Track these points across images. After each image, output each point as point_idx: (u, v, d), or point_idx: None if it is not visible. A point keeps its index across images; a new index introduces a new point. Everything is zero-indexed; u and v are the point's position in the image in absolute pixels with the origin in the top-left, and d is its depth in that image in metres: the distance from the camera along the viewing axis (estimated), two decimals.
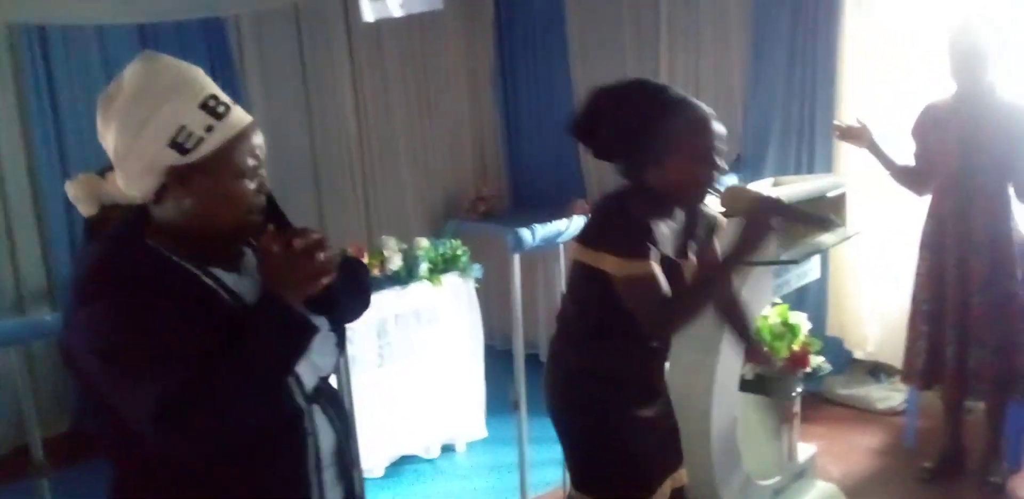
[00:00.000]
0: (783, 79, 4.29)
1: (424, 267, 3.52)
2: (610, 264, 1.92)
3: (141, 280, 1.26)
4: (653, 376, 2.17)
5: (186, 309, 1.26)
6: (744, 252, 1.89)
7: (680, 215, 2.07)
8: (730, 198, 1.96)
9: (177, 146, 1.27)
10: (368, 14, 3.64)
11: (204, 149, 1.28)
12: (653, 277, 1.89)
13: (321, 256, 1.28)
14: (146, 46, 4.18)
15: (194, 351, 1.23)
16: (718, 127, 1.97)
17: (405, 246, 3.57)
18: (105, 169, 1.43)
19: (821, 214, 1.94)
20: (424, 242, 3.61)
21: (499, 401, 3.88)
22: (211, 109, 1.29)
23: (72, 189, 1.40)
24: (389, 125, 5.00)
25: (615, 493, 2.13)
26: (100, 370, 1.25)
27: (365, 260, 3.37)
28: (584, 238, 2.02)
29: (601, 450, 2.13)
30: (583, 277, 2.05)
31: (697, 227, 2.13)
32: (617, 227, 1.95)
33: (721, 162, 1.97)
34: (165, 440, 1.23)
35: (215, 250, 1.37)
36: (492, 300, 4.75)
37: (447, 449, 3.84)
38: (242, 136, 1.32)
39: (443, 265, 3.64)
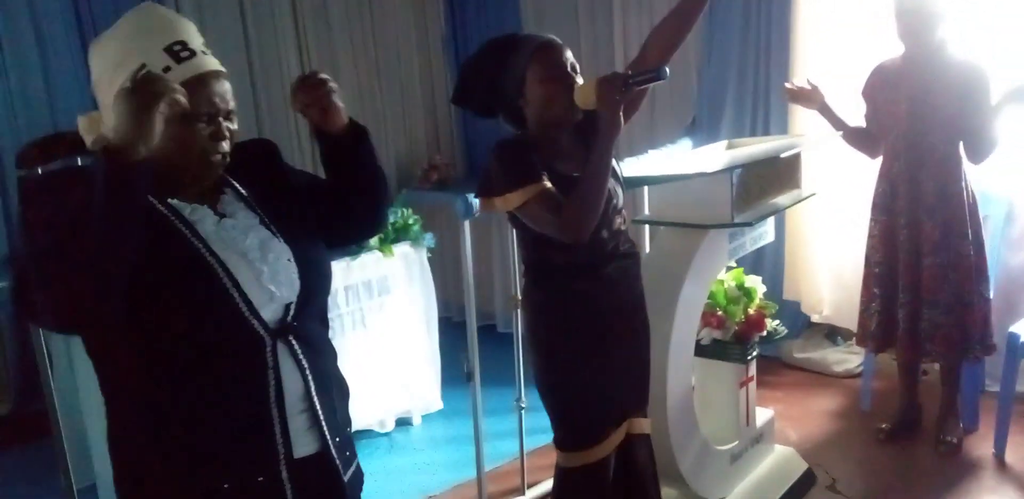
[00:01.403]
0: (738, 43, 4.25)
1: (375, 237, 3.43)
2: (503, 203, 2.03)
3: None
4: (610, 303, 2.15)
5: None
6: (608, 133, 1.97)
7: (570, 134, 2.13)
8: (580, 96, 2.01)
9: None
10: None
11: None
12: (540, 194, 1.98)
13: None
14: (79, 11, 4.03)
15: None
16: (560, 47, 2.08)
17: None
18: None
19: (650, 68, 1.99)
20: None
21: (455, 373, 3.84)
22: (174, 53, 1.36)
23: (81, 124, 1.46)
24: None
25: (565, 441, 2.19)
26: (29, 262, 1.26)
27: None
28: (478, 192, 2.11)
29: (553, 395, 2.18)
30: (512, 223, 2.16)
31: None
32: (492, 170, 2.05)
33: (573, 75, 2.05)
34: (22, 315, 1.30)
35: (181, 186, 1.42)
36: (448, 271, 4.69)
37: (402, 422, 3.79)
38: (198, 81, 1.37)
39: (394, 235, 3.56)
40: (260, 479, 1.42)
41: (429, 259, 3.75)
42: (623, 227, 2.18)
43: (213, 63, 1.41)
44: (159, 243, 1.34)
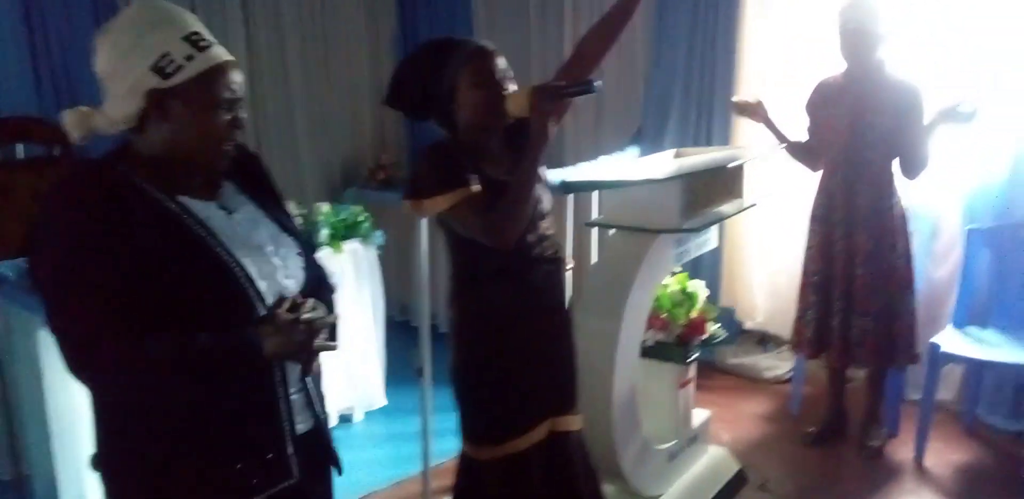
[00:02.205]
0: (684, 53, 4.35)
1: (325, 233, 3.44)
2: (431, 206, 2.04)
3: (99, 202, 1.33)
4: (534, 308, 2.19)
5: (144, 233, 1.34)
6: (537, 141, 1.99)
7: (500, 139, 2.16)
8: (512, 103, 2.05)
9: (159, 70, 1.38)
10: None
11: (183, 75, 1.39)
12: (468, 199, 2.01)
13: (315, 343, 1.44)
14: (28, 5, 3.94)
15: (137, 283, 1.31)
16: (492, 54, 2.09)
17: (305, 211, 3.48)
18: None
19: (582, 81, 2.03)
20: (325, 207, 3.52)
21: (398, 371, 3.86)
22: (194, 42, 1.41)
23: (68, 117, 1.46)
24: (286, 89, 4.85)
25: (482, 433, 2.21)
26: (45, 284, 1.34)
27: None
28: (406, 194, 2.12)
29: (472, 388, 2.21)
30: (440, 227, 2.18)
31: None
32: (421, 173, 2.08)
33: (506, 83, 2.07)
34: (76, 374, 1.34)
35: (190, 180, 1.46)
36: (391, 271, 4.69)
37: (344, 419, 3.79)
38: (220, 69, 1.43)
39: (344, 231, 3.57)
40: (269, 457, 1.46)
41: (379, 257, 3.76)
42: (549, 232, 2.21)
43: (227, 53, 1.46)
44: (175, 244, 1.37)
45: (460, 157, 2.06)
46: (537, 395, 2.22)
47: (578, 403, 2.35)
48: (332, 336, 1.52)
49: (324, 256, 3.48)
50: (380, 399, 3.86)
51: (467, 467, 2.28)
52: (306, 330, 1.43)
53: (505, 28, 4.97)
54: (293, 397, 1.51)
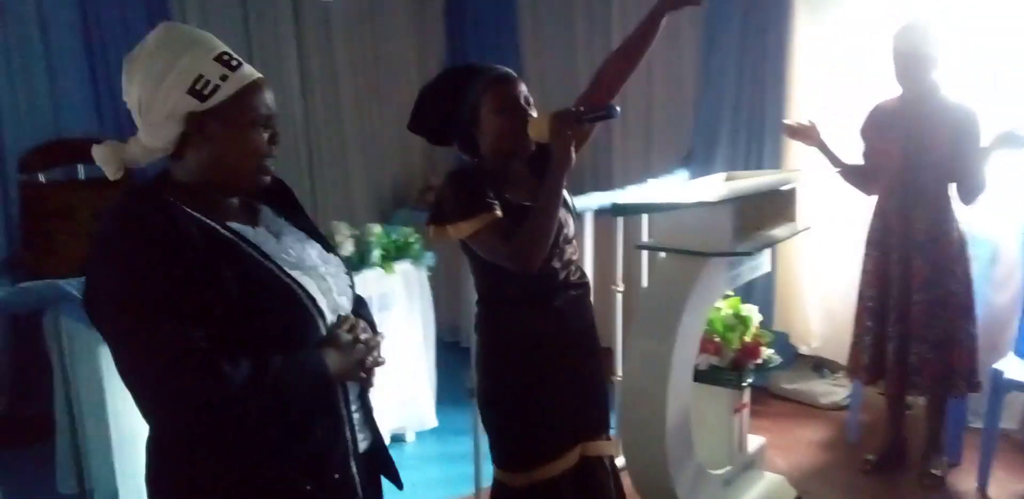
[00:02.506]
0: (734, 76, 4.34)
1: (377, 253, 3.47)
2: (455, 231, 2.06)
3: (160, 232, 1.32)
4: (560, 334, 2.18)
5: (207, 261, 1.33)
6: (559, 166, 2.00)
7: (523, 164, 2.17)
8: (534, 129, 2.06)
9: (196, 93, 1.38)
10: None
11: (220, 95, 1.39)
12: (492, 224, 2.01)
13: (368, 360, 1.48)
14: (87, 20, 4.07)
15: (210, 310, 1.31)
16: (514, 80, 2.11)
17: (357, 232, 3.52)
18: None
19: (603, 106, 2.06)
20: (377, 228, 3.55)
21: (448, 392, 3.87)
22: (225, 62, 1.41)
23: (98, 153, 1.45)
24: (337, 110, 4.93)
25: (513, 459, 2.21)
26: (114, 322, 1.33)
27: None
28: (430, 220, 2.13)
29: (500, 415, 2.21)
30: (464, 252, 2.19)
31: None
32: (445, 198, 2.10)
33: (528, 109, 2.09)
34: (157, 415, 1.35)
35: (231, 206, 1.48)
36: (441, 292, 4.72)
37: (396, 439, 3.79)
38: (254, 86, 1.44)
39: (396, 252, 3.59)
40: (336, 477, 1.46)
41: (429, 278, 3.78)
42: (574, 257, 2.22)
43: (256, 71, 1.47)
44: (235, 268, 1.36)
45: (483, 182, 2.06)
46: (566, 420, 2.20)
47: (610, 428, 2.34)
48: (380, 353, 1.55)
49: (376, 277, 3.51)
50: (431, 420, 3.86)
51: (500, 494, 2.27)
52: (364, 349, 1.46)
53: (551, 51, 5.01)
54: (355, 415, 1.53)
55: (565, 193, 2.15)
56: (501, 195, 2.07)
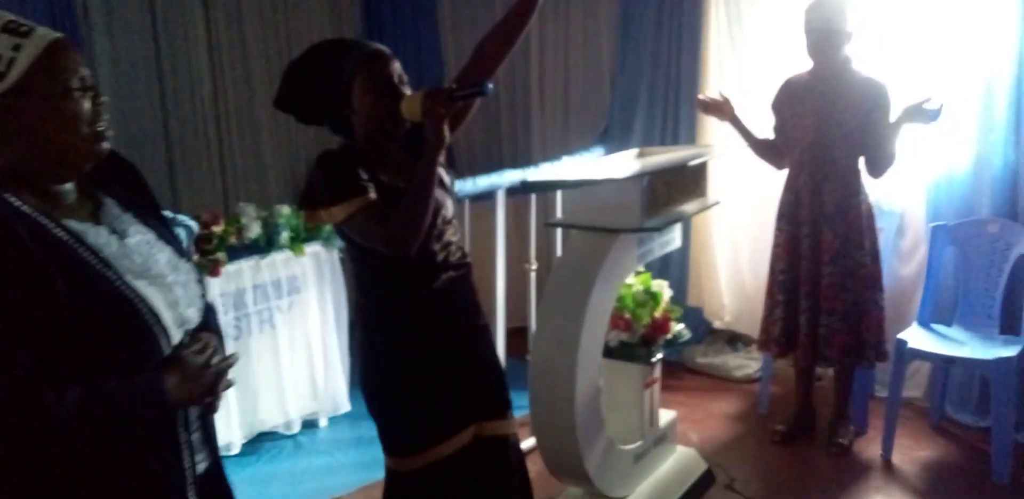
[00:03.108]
0: (649, 53, 4.35)
1: (285, 235, 3.40)
2: (327, 216, 1.98)
3: None
4: (442, 316, 2.14)
5: (35, 268, 1.18)
6: (433, 146, 1.95)
7: (399, 145, 2.11)
8: (406, 108, 2.00)
9: None
10: None
11: (19, 67, 1.23)
12: (365, 207, 1.94)
13: (220, 385, 1.38)
14: None
15: (38, 326, 1.17)
16: (388, 57, 2.04)
17: (265, 214, 3.43)
18: None
19: (473, 83, 2.00)
20: (285, 209, 3.47)
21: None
22: (13, 30, 1.24)
23: None
24: (248, 89, 4.78)
25: (402, 444, 2.15)
26: None
27: (220, 228, 3.21)
28: (301, 204, 2.05)
29: (386, 400, 2.16)
30: (340, 237, 2.12)
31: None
32: (317, 181, 2.01)
33: (403, 88, 2.03)
34: None
35: (68, 197, 1.33)
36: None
37: (308, 424, 3.73)
38: (55, 49, 1.26)
39: (305, 234, 3.52)
40: None
41: (340, 260, 3.72)
42: (454, 238, 2.17)
43: (53, 31, 1.29)
44: (69, 277, 1.21)
45: (356, 165, 1.99)
46: (455, 401, 2.16)
47: (510, 407, 2.30)
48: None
49: (284, 259, 3.43)
50: (344, 404, 3.81)
51: (392, 481, 2.22)
52: (213, 373, 1.36)
53: (470, 31, 4.96)
54: (193, 436, 1.41)
55: (443, 173, 2.10)
56: (376, 177, 1.99)
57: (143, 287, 1.30)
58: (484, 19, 4.87)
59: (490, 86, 1.97)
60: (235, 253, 3.29)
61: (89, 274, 1.24)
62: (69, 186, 1.34)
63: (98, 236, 1.30)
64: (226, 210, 3.84)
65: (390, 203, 1.96)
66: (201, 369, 1.34)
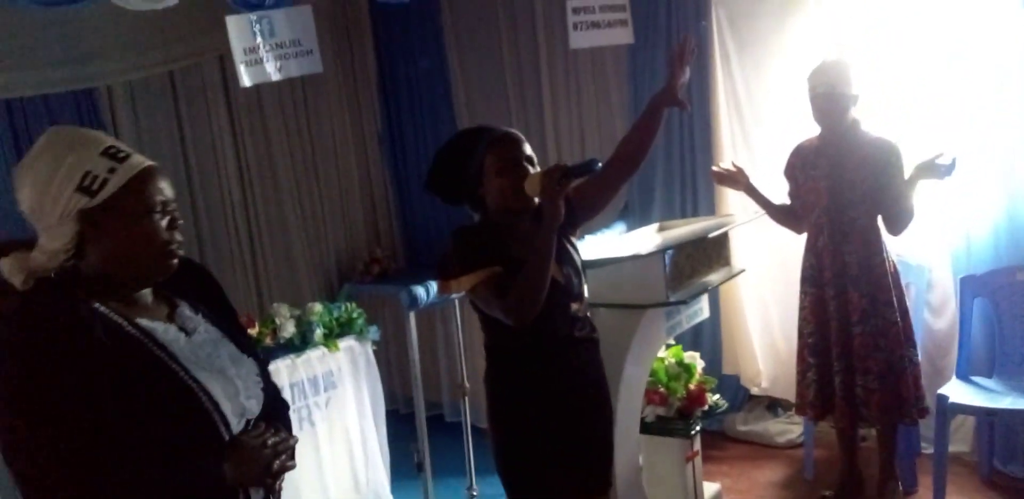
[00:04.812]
0: (662, 131, 4.43)
1: (318, 332, 3.45)
2: (456, 285, 2.14)
3: (58, 329, 1.32)
4: (563, 389, 2.22)
5: (109, 362, 1.32)
6: (549, 221, 2.08)
7: (529, 221, 2.22)
8: (529, 186, 2.14)
9: (84, 189, 1.38)
10: (246, 79, 3.60)
11: (110, 188, 1.39)
12: (489, 279, 2.08)
13: (276, 464, 1.44)
14: (13, 120, 4.05)
15: (98, 413, 1.29)
16: (515, 141, 2.22)
17: (298, 312, 3.50)
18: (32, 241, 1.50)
19: (585, 160, 2.14)
20: (317, 307, 3.54)
21: (404, 466, 3.81)
22: (112, 155, 1.41)
23: (5, 266, 1.44)
24: (275, 190, 4.93)
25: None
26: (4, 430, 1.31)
27: (255, 330, 3.29)
28: (435, 275, 2.22)
29: (508, 470, 2.25)
30: (472, 308, 2.26)
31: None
32: (446, 256, 2.18)
33: (528, 167, 2.19)
34: None
35: (144, 300, 1.47)
36: (393, 364, 4.69)
37: None
38: (145, 175, 1.43)
39: (339, 329, 3.57)
40: None
41: (374, 352, 3.77)
42: (580, 313, 2.26)
43: (147, 159, 1.47)
44: (138, 370, 1.36)
45: (485, 238, 2.15)
46: (575, 475, 2.23)
47: (610, 487, 2.37)
48: (291, 456, 1.51)
49: (319, 356, 3.49)
50: (387, 496, 3.78)
51: None
52: (271, 453, 1.44)
53: (485, 118, 5.06)
54: None
55: (569, 248, 2.25)
56: (505, 251, 2.13)
57: (205, 378, 1.42)
58: (499, 108, 5.02)
59: (597, 163, 2.11)
60: (270, 353, 3.34)
61: (153, 365, 1.38)
62: (146, 291, 1.49)
63: (167, 333, 1.44)
64: (260, 311, 3.92)
65: (517, 275, 2.07)
66: (257, 450, 1.42)
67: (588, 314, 2.31)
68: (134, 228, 1.41)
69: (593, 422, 2.29)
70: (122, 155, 1.42)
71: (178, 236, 1.47)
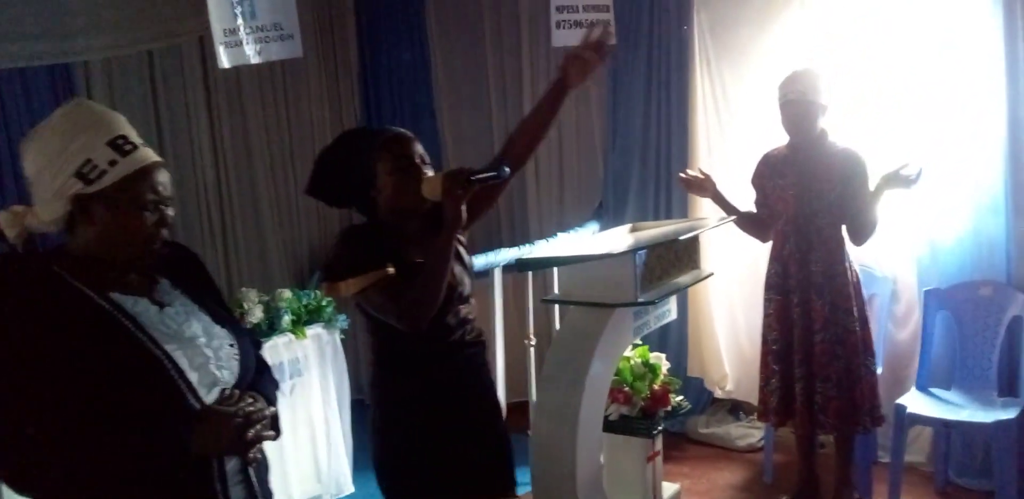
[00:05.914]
0: (639, 132, 4.47)
1: (286, 319, 3.45)
2: (345, 288, 2.04)
3: (22, 298, 1.37)
4: (454, 394, 2.18)
5: (68, 331, 1.36)
6: (450, 225, 2.03)
7: (421, 223, 2.17)
8: (427, 188, 2.09)
9: (82, 176, 1.42)
10: (224, 61, 3.57)
11: (106, 180, 1.43)
12: (381, 281, 2.01)
13: (250, 433, 1.42)
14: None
15: (62, 380, 1.32)
16: (409, 140, 2.15)
17: (266, 298, 3.49)
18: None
19: (493, 166, 2.09)
20: (286, 293, 3.53)
21: (367, 456, 3.80)
22: (118, 147, 1.45)
23: (2, 217, 1.49)
24: (250, 175, 4.89)
25: None
26: None
27: None
28: (322, 276, 2.14)
29: (392, 475, 2.19)
30: (358, 311, 2.18)
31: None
32: (337, 255, 2.10)
33: (424, 168, 2.12)
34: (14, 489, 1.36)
35: (123, 277, 1.50)
36: (361, 352, 4.68)
37: None
38: (144, 172, 1.47)
39: (307, 316, 3.57)
40: None
41: (342, 340, 3.76)
42: (471, 316, 2.22)
43: (154, 155, 1.50)
44: (102, 339, 1.38)
45: (376, 240, 2.08)
46: (460, 479, 2.17)
47: (515, 485, 2.32)
48: (275, 427, 1.51)
49: (286, 342, 3.48)
50: (348, 486, 3.79)
51: None
52: (243, 422, 1.42)
53: (466, 110, 5.10)
54: (233, 489, 1.49)
55: (462, 251, 2.18)
56: (396, 253, 2.07)
57: (173, 349, 1.44)
58: (479, 97, 5.03)
59: (507, 170, 2.06)
60: None
61: (117, 335, 1.41)
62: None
63: (136, 305, 1.47)
64: (229, 295, 3.89)
65: (408, 279, 2.02)
66: (228, 418, 1.41)
67: (475, 317, 2.25)
68: (120, 222, 1.45)
69: (484, 425, 2.26)
70: (128, 148, 1.45)
71: (164, 232, 1.50)
